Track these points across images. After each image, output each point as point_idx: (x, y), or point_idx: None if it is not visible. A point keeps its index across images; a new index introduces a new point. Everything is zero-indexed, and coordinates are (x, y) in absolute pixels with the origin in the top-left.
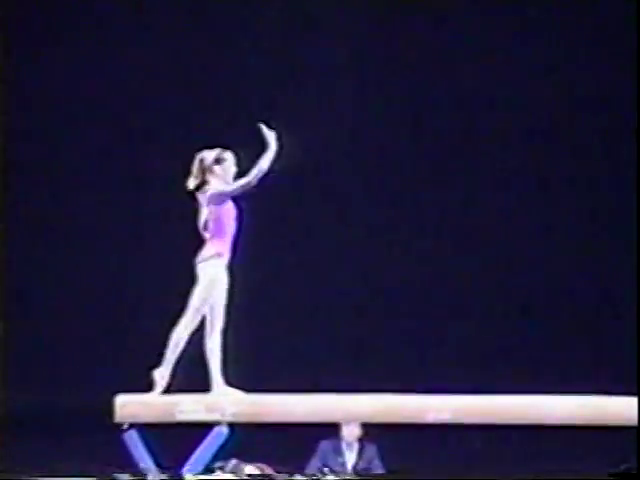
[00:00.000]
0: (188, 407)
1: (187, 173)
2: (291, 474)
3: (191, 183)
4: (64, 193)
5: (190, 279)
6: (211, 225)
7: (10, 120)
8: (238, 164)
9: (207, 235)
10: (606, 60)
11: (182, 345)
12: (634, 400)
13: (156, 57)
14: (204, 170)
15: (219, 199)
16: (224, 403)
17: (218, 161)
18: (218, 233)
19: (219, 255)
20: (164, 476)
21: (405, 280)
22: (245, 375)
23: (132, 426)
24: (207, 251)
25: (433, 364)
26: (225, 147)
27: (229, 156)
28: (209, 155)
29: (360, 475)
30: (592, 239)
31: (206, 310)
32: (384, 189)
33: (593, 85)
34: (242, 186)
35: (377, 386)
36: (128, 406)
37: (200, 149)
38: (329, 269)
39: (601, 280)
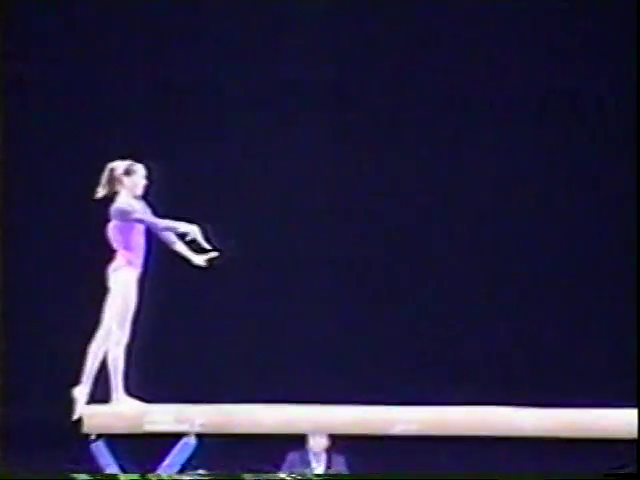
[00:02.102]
0: (156, 418)
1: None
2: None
3: (100, 192)
4: None
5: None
6: (117, 237)
7: None
8: (149, 177)
9: (115, 245)
10: (607, 56)
11: (100, 359)
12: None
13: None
14: (113, 180)
15: (122, 216)
16: (193, 413)
17: (128, 172)
18: (125, 245)
19: (130, 264)
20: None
21: (374, 289)
22: (214, 385)
23: (100, 436)
24: (117, 261)
25: (401, 375)
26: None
27: (139, 168)
28: (120, 166)
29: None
30: (589, 242)
31: (115, 319)
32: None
33: (594, 83)
34: (143, 222)
35: (345, 397)
36: (96, 417)
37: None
38: (299, 271)
39: (598, 287)
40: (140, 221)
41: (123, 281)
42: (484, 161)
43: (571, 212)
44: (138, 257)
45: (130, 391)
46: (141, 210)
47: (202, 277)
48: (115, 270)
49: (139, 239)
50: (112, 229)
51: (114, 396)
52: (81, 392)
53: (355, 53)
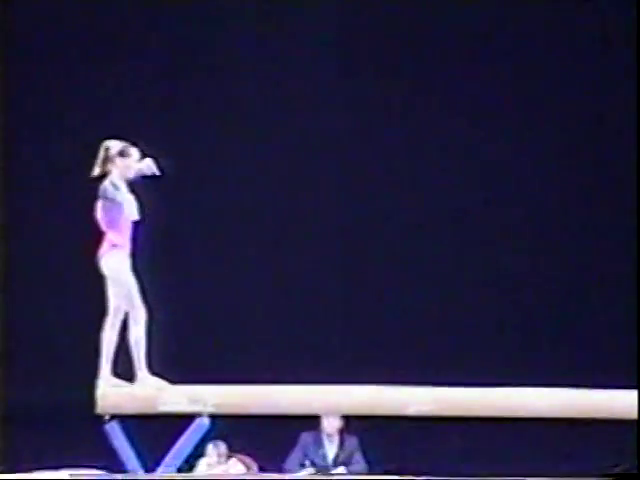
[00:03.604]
0: (170, 398)
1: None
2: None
3: (95, 171)
4: None
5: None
6: (104, 217)
7: None
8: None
9: (103, 226)
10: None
11: (114, 346)
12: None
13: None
14: (106, 160)
15: (105, 195)
16: (206, 394)
17: (122, 154)
18: (112, 226)
19: (115, 246)
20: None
21: (387, 271)
22: (228, 365)
23: (114, 417)
24: (105, 245)
25: (415, 355)
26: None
27: (134, 152)
28: (114, 146)
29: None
30: (592, 231)
31: (123, 303)
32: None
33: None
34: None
35: (359, 378)
36: (110, 397)
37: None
38: (310, 249)
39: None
40: (118, 202)
41: (115, 264)
42: (484, 156)
43: (570, 202)
44: (124, 237)
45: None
46: (124, 192)
47: (211, 255)
48: (104, 255)
49: (125, 219)
50: (99, 209)
51: (139, 375)
52: (103, 379)
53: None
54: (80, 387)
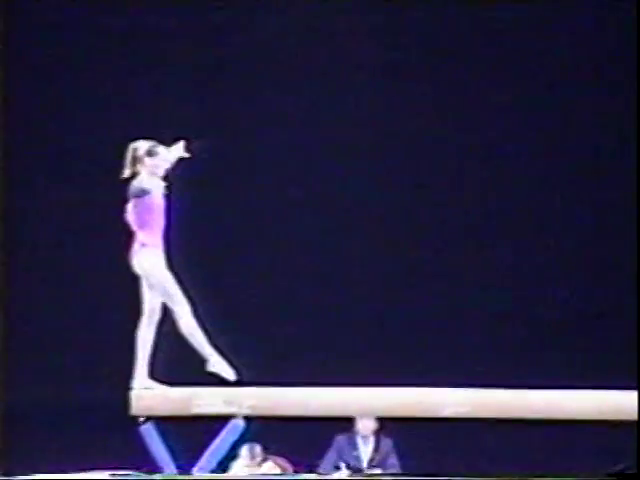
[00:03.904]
0: (205, 400)
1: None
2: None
3: (125, 172)
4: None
5: None
6: (134, 217)
7: None
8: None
9: (134, 227)
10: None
11: (150, 347)
12: None
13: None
14: (135, 160)
15: (136, 194)
16: (241, 396)
17: (150, 153)
18: (142, 225)
19: (145, 245)
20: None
21: (421, 273)
22: (260, 368)
23: (149, 419)
24: (136, 244)
25: (451, 357)
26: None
27: (162, 151)
28: (142, 146)
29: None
30: (593, 231)
31: (163, 300)
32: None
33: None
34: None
35: (394, 380)
36: (144, 399)
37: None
38: (342, 252)
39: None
40: (147, 202)
41: (148, 263)
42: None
43: (571, 200)
44: (156, 236)
45: (175, 373)
46: (156, 190)
47: (244, 254)
48: (135, 255)
49: (157, 217)
50: (129, 210)
51: (211, 360)
52: (139, 378)
53: None
54: (115, 388)
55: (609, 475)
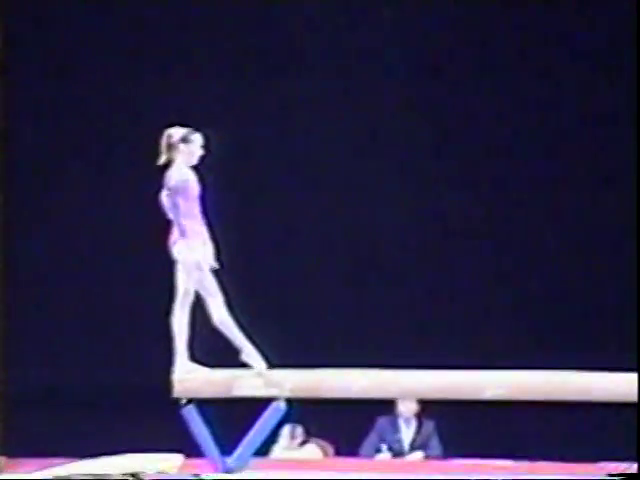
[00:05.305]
0: (246, 382)
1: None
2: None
3: (161, 160)
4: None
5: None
6: (172, 207)
7: None
8: (207, 147)
9: (170, 216)
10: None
11: (187, 329)
12: None
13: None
14: (170, 147)
15: (175, 185)
16: (282, 378)
17: (185, 140)
18: (179, 214)
19: (184, 234)
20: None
21: (460, 258)
22: (303, 349)
23: (190, 401)
24: (175, 233)
25: (492, 339)
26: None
27: (197, 137)
28: (177, 132)
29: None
30: (596, 225)
31: (198, 290)
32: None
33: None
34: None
35: (434, 362)
36: (186, 381)
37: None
38: (380, 238)
39: None
40: (183, 190)
41: (185, 252)
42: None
43: (571, 199)
44: (193, 225)
45: (217, 355)
46: (193, 181)
47: (281, 247)
48: (175, 244)
49: (195, 207)
50: (166, 198)
51: (245, 350)
52: (180, 361)
53: None
54: (156, 371)
55: (610, 475)
